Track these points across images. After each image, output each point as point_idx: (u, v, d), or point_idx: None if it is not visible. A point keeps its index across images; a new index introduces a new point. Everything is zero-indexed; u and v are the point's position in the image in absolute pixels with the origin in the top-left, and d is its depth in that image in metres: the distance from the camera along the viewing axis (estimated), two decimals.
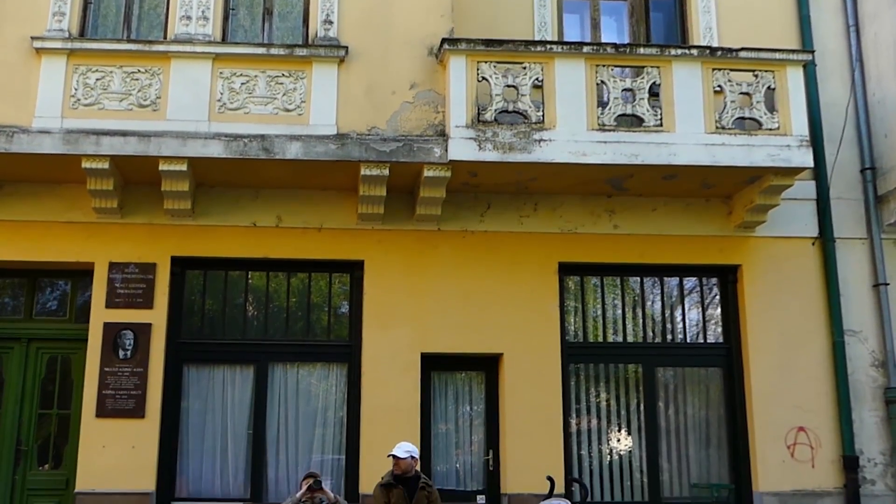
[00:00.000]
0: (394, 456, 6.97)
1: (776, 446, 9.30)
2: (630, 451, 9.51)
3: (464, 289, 9.33)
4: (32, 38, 8.73)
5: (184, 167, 8.60)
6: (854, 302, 9.69)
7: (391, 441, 7.33)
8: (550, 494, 6.31)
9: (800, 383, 9.43)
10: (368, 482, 8.22)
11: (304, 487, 6.83)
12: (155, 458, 8.68)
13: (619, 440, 9.51)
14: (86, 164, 8.54)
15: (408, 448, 7.03)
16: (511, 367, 9.15)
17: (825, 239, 9.67)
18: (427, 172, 8.80)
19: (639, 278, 9.81)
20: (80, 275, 9.28)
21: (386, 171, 8.75)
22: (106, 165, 8.55)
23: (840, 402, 9.40)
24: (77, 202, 9.04)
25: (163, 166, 8.61)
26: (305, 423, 9.24)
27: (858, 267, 9.78)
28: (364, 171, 8.75)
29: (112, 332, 8.82)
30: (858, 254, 9.80)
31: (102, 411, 8.67)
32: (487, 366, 9.41)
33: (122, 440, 8.63)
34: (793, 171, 9.06)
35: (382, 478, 7.02)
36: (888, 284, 9.69)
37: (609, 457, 9.48)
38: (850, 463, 9.28)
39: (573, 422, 9.49)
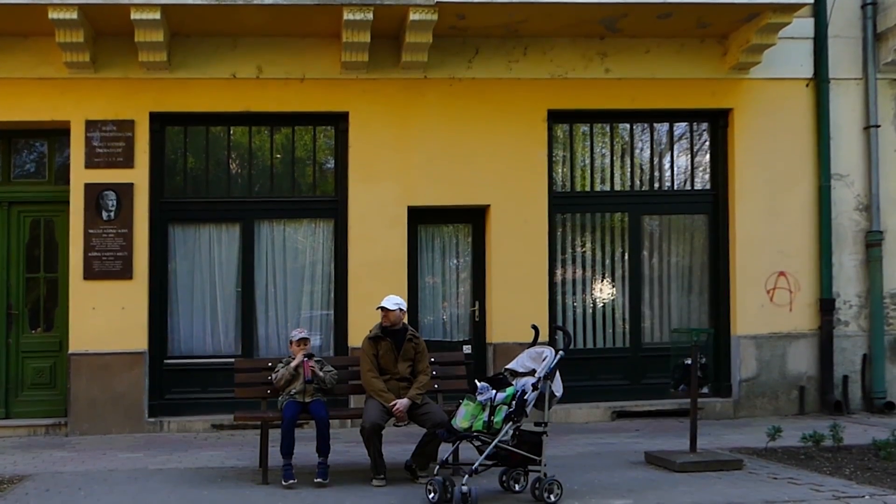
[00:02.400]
0: (382, 308, 7.07)
1: (756, 291, 9.48)
2: (613, 300, 9.68)
3: (450, 139, 9.18)
4: None
5: (157, 15, 8.23)
6: (843, 145, 9.63)
7: (379, 295, 7.41)
8: (534, 343, 6.43)
9: (783, 228, 9.50)
10: (357, 336, 8.38)
11: (298, 358, 6.89)
12: (145, 319, 8.77)
13: (603, 289, 9.67)
14: (53, 15, 8.15)
15: (396, 300, 7.12)
16: (497, 219, 9.14)
17: (819, 80, 9.48)
18: (413, 15, 8.46)
19: (628, 125, 9.65)
20: (57, 134, 9.04)
21: (370, 15, 8.40)
22: (74, 15, 8.16)
23: (821, 246, 9.52)
24: (47, 56, 8.69)
25: (135, 14, 8.23)
26: (293, 280, 9.29)
27: (850, 109, 9.65)
28: (347, 15, 8.40)
29: (94, 193, 8.71)
30: (852, 95, 9.65)
31: (90, 273, 8.68)
32: (474, 218, 9.40)
33: (111, 302, 8.69)
34: (792, 8, 8.77)
35: (371, 331, 7.15)
36: (879, 126, 9.59)
37: (593, 305, 9.66)
38: (826, 306, 9.50)
39: (558, 272, 9.60)
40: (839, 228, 9.60)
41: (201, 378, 8.94)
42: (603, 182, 9.67)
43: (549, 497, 5.84)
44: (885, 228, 9.65)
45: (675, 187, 9.78)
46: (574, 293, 9.62)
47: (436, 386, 7.18)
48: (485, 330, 9.34)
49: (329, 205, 9.25)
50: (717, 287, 9.63)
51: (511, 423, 5.84)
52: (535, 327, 6.47)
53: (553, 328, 8.97)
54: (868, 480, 6.30)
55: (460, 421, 5.99)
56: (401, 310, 7.07)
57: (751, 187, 9.44)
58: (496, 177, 9.10)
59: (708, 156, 9.76)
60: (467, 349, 9.29)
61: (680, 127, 9.78)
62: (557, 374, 6.12)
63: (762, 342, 9.46)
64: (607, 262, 9.68)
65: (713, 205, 9.65)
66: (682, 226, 9.77)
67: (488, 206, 9.19)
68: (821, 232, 9.49)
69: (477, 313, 9.39)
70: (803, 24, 9.41)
